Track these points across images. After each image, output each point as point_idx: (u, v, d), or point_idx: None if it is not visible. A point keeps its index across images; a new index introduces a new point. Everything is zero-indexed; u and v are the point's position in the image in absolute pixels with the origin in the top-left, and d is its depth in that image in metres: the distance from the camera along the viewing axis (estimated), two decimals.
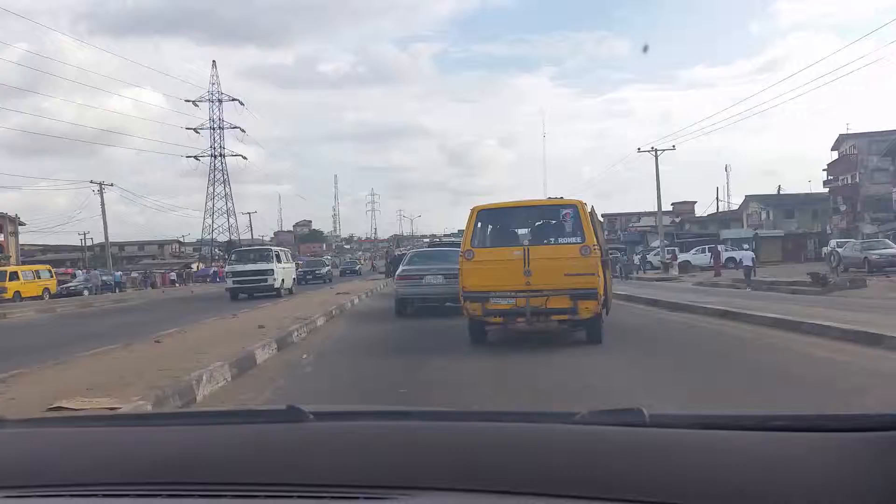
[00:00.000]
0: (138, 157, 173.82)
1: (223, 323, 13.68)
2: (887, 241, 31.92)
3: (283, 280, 26.03)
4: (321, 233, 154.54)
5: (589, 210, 9.36)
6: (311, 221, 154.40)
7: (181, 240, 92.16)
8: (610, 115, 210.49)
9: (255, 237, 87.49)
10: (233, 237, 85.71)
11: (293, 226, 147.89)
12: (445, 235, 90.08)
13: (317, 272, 41.89)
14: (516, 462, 1.12)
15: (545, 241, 9.45)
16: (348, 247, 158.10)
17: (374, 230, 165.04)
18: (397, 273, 15.39)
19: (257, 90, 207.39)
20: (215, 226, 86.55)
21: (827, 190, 59.78)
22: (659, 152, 42.08)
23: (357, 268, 56.00)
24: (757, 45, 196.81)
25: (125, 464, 1.22)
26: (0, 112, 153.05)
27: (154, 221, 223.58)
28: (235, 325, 12.98)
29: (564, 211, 9.40)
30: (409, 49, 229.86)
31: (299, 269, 35.70)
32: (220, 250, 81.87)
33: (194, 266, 67.62)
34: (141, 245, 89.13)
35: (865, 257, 27.75)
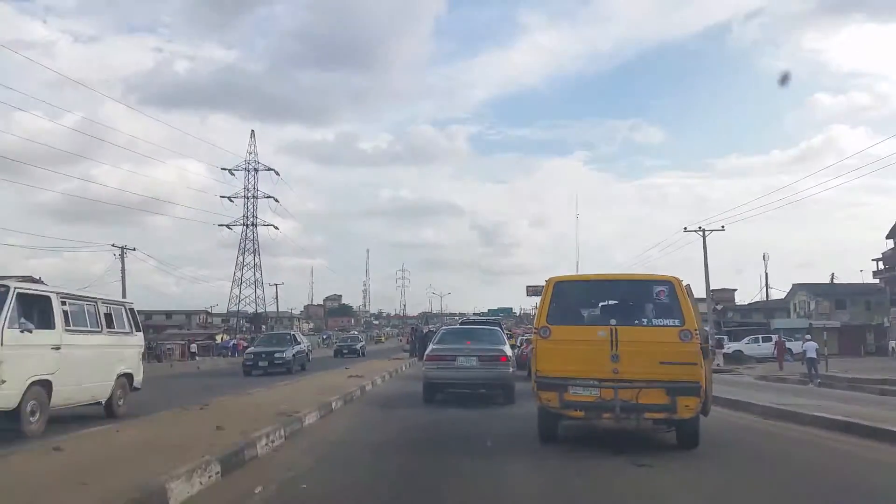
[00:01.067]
0: (177, 226, 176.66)
1: (171, 419, 9.44)
2: None
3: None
4: (350, 307, 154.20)
5: (685, 287, 8.09)
6: (341, 296, 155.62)
7: (209, 310, 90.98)
8: (643, 202, 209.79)
9: (282, 309, 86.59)
10: (259, 309, 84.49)
11: (323, 300, 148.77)
12: (475, 314, 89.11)
13: (353, 346, 45.70)
14: None
15: (636, 322, 8.05)
16: (377, 322, 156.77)
17: (402, 306, 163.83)
18: (426, 353, 13.84)
19: (297, 165, 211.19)
20: (243, 296, 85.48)
21: (878, 280, 57.05)
22: (707, 232, 39.88)
23: (358, 346, 47.00)
24: (794, 136, 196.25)
25: None
26: (49, 178, 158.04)
27: (190, 292, 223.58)
28: (187, 424, 8.82)
29: (659, 288, 8.08)
30: (446, 130, 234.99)
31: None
32: (247, 322, 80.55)
33: (219, 338, 65.95)
34: (169, 314, 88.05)
35: None
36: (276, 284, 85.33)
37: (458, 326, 19.47)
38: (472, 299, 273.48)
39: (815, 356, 25.99)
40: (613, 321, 7.88)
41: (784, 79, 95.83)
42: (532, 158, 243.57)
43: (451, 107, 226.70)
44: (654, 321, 7.95)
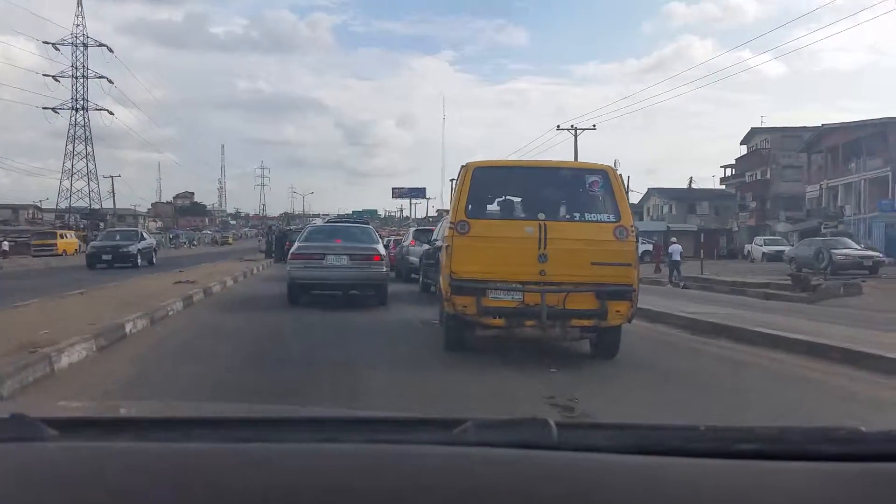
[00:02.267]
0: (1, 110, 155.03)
1: None
2: (847, 239, 29.49)
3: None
4: (204, 206, 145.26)
5: (619, 178, 7.41)
6: (193, 193, 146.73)
7: (38, 204, 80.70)
8: (506, 105, 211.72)
9: (125, 206, 78.86)
10: (94, 204, 76.09)
11: (174, 197, 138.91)
12: (340, 215, 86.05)
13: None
14: (369, 499, 0.83)
15: (567, 217, 7.26)
16: (234, 222, 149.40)
17: (262, 206, 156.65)
18: (292, 251, 12.80)
19: (140, 48, 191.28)
20: (75, 190, 76.18)
21: (725, 186, 59.67)
22: (579, 132, 38.89)
23: (132, 249, 26.34)
24: (648, 45, 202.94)
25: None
26: None
27: (22, 185, 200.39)
28: None
29: (592, 178, 7.17)
30: (308, 18, 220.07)
31: (90, 248, 29.15)
32: (83, 218, 72.23)
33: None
34: None
35: (829, 258, 24.77)
36: (111, 177, 77.11)
37: (326, 224, 17.82)
38: (337, 200, 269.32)
39: (679, 259, 25.82)
40: (542, 215, 6.98)
41: None
42: (398, 54, 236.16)
43: None
44: (587, 216, 7.05)
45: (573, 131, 39.70)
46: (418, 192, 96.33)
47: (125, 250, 25.66)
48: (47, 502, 0.84)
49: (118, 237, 28.16)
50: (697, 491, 0.83)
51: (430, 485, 0.85)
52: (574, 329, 6.89)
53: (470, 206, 6.93)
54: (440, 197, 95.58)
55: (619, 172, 7.54)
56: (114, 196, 76.58)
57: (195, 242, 79.97)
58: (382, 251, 12.80)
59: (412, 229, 21.07)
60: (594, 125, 40.59)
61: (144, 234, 30.20)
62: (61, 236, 46.56)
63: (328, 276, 12.00)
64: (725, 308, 12.05)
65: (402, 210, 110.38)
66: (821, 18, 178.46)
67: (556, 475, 0.85)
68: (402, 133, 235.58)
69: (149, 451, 0.96)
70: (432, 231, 17.28)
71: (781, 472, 0.86)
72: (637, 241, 7.22)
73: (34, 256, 39.25)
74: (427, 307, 11.42)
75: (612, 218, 6.88)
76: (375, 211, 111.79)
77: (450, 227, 7.04)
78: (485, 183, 7.24)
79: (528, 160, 8.22)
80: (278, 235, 32.52)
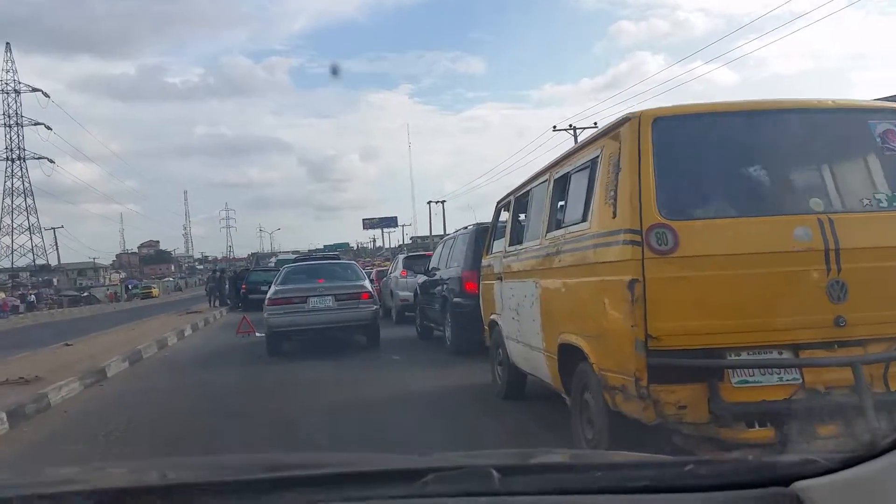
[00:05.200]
0: None
1: None
2: None
3: None
4: (170, 253, 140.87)
5: None
6: (158, 241, 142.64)
7: None
8: (467, 132, 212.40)
9: (80, 260, 74.60)
10: (39, 260, 72.17)
11: (138, 247, 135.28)
12: (311, 250, 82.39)
13: None
14: None
15: (867, 204, 3.50)
16: (201, 267, 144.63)
17: (229, 248, 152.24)
18: (269, 296, 11.30)
19: (96, 104, 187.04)
20: (17, 246, 72.21)
21: None
22: (579, 131, 35.17)
23: None
24: (600, 64, 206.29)
25: None
26: None
27: None
28: None
29: (885, 126, 3.55)
30: (264, 63, 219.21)
31: None
32: (33, 276, 68.19)
33: None
34: None
35: None
36: (53, 229, 73.42)
37: (303, 263, 15.33)
38: (306, 236, 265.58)
39: None
40: (817, 203, 3.42)
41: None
42: (357, 92, 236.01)
43: (267, 38, 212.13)
44: None
45: (572, 132, 35.66)
46: (390, 221, 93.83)
47: None
48: None
49: None
50: None
51: None
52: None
53: (665, 196, 3.39)
54: (413, 224, 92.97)
55: None
56: (57, 249, 73.50)
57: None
58: (370, 287, 11.62)
59: (401, 257, 17.73)
60: (595, 123, 36.63)
61: None
62: None
63: (313, 321, 10.73)
64: None
65: (374, 241, 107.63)
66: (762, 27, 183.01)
67: None
68: (367, 166, 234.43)
69: None
70: (427, 258, 14.48)
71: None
72: None
73: None
74: (447, 367, 8.69)
75: None
76: (347, 244, 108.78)
77: (625, 244, 3.40)
78: (681, 149, 3.64)
79: (751, 101, 3.85)
80: (231, 277, 28.61)
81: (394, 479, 1.20)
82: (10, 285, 62.88)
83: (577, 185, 4.20)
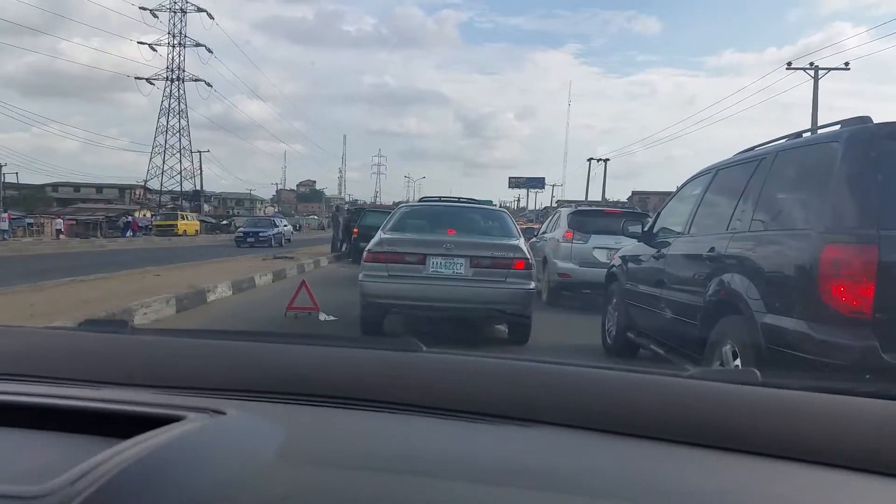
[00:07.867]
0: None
1: None
2: None
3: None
4: (323, 193, 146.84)
5: None
6: (314, 182, 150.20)
7: (145, 184, 78.39)
8: (631, 98, 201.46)
9: (240, 191, 77.86)
10: (187, 183, 74.28)
11: (297, 185, 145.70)
12: (445, 198, 78.61)
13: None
14: (633, 408, 0.99)
15: None
16: (347, 207, 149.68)
17: (377, 193, 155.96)
18: (367, 248, 7.43)
19: (273, 45, 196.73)
20: (172, 169, 74.44)
21: None
22: (822, 73, 29.03)
23: (271, 233, 33.40)
24: (792, 33, 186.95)
25: (261, 374, 1.13)
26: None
27: (117, 161, 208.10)
28: None
29: None
30: (436, 15, 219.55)
31: (238, 230, 36.93)
32: (186, 201, 71.21)
33: (137, 215, 55.71)
34: (100, 188, 76.77)
35: None
36: (200, 152, 74.83)
37: (428, 204, 9.79)
38: (451, 189, 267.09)
39: None
40: None
41: None
42: (523, 49, 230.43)
43: None
44: None
45: (812, 71, 29.08)
46: (537, 182, 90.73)
47: (264, 235, 32.81)
48: (433, 388, 1.04)
49: (255, 223, 36.53)
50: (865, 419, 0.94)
51: (675, 402, 1.00)
52: None
53: None
54: (562, 186, 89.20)
55: None
56: (201, 174, 74.71)
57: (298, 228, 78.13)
58: (528, 253, 7.37)
59: (565, 212, 12.80)
60: (847, 63, 28.98)
61: (277, 222, 36.17)
62: (182, 217, 48.71)
63: (431, 296, 6.98)
64: None
65: (518, 200, 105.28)
66: None
67: (765, 401, 0.99)
68: (521, 125, 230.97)
69: (492, 364, 1.17)
70: (613, 216, 11.31)
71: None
72: None
73: (157, 236, 41.64)
74: None
75: None
76: (490, 201, 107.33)
77: None
78: None
79: None
80: (346, 218, 23.01)
81: (663, 371, 1.21)
82: (170, 207, 65.55)
83: None
